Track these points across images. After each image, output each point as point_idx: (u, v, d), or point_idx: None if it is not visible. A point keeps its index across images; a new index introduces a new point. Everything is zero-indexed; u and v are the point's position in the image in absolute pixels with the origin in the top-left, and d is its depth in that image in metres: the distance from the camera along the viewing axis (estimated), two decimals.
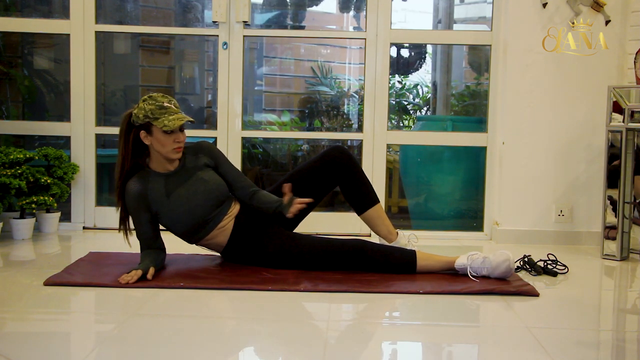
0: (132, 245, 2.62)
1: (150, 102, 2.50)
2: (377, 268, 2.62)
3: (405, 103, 5.32)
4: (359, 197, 2.79)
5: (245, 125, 4.35)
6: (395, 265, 2.61)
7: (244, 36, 3.65)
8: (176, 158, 2.58)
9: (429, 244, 3.18)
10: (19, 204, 3.28)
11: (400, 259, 2.61)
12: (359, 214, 2.80)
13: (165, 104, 2.50)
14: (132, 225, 2.62)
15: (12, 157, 3.27)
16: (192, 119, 2.55)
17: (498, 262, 2.52)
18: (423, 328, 2.09)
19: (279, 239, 2.65)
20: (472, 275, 2.56)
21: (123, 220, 2.60)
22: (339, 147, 2.83)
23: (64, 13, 3.70)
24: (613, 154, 3.12)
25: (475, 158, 3.81)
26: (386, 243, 2.76)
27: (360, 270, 2.62)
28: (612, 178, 3.12)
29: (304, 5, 4.89)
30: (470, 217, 3.92)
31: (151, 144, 2.53)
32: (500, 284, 2.47)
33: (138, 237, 2.58)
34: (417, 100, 5.36)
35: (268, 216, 2.68)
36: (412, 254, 2.62)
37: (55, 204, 3.38)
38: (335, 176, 2.77)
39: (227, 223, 2.64)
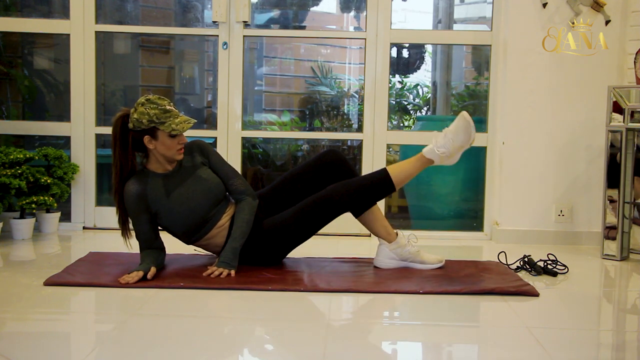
0: (131, 246, 2.62)
1: (152, 106, 2.49)
2: (360, 200, 2.68)
3: (405, 103, 5.32)
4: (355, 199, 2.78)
5: (245, 125, 4.35)
6: (372, 191, 2.68)
7: (244, 36, 3.65)
8: (180, 159, 2.59)
9: (428, 244, 3.18)
10: (19, 204, 3.28)
11: (374, 181, 2.69)
12: (356, 217, 2.79)
13: (168, 107, 2.51)
14: (131, 227, 2.62)
15: (12, 157, 3.27)
16: (195, 120, 2.57)
17: (455, 125, 2.63)
18: (423, 328, 2.09)
19: (270, 220, 2.68)
20: (441, 152, 2.63)
21: (123, 223, 2.60)
22: (333, 150, 2.83)
23: (64, 13, 3.70)
24: (613, 154, 3.12)
25: (475, 158, 3.81)
26: (386, 243, 2.76)
27: (348, 209, 2.69)
28: (612, 178, 3.12)
29: (304, 5, 4.89)
30: (470, 217, 3.92)
31: (155, 148, 2.53)
32: (500, 284, 2.47)
33: (137, 237, 2.58)
34: (417, 100, 5.36)
35: (262, 214, 2.70)
36: (383, 171, 2.70)
37: (55, 204, 3.38)
38: (331, 179, 2.76)
39: (226, 222, 2.64)
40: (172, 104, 2.55)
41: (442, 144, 2.63)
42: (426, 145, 2.71)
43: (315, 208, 2.65)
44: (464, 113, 2.63)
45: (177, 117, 2.53)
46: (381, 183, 2.67)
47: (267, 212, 2.73)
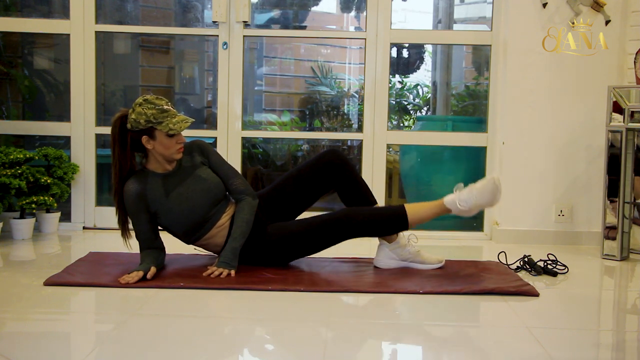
0: (131, 247, 2.62)
1: (149, 106, 2.49)
2: (370, 231, 2.66)
3: (405, 103, 5.32)
4: (355, 200, 2.78)
5: (245, 125, 4.35)
6: (386, 224, 2.64)
7: (244, 36, 3.65)
8: (179, 158, 2.59)
9: (429, 244, 3.18)
10: (19, 204, 3.28)
11: (389, 216, 2.65)
12: None
13: (165, 107, 2.51)
14: (131, 227, 2.61)
15: (12, 157, 3.27)
16: (193, 119, 2.57)
17: (483, 184, 2.58)
18: (423, 328, 2.09)
19: (276, 229, 2.67)
20: (461, 207, 2.59)
21: (123, 223, 2.60)
22: (334, 150, 2.82)
23: (64, 13, 3.70)
24: (613, 154, 3.12)
25: (475, 158, 3.81)
26: (386, 243, 2.76)
27: (356, 237, 2.66)
28: (612, 178, 3.12)
29: (304, 5, 4.89)
30: (470, 217, 3.91)
31: (153, 148, 2.53)
32: (500, 284, 2.47)
33: (137, 237, 2.58)
34: (417, 100, 5.36)
35: (262, 214, 2.70)
36: (400, 208, 2.65)
37: (55, 204, 3.38)
38: (331, 179, 2.76)
39: (225, 221, 2.64)
40: (169, 103, 2.55)
41: (464, 199, 2.60)
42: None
43: (326, 228, 2.63)
44: (496, 177, 2.58)
45: (175, 116, 2.53)
46: (396, 219, 2.64)
47: (268, 212, 2.74)
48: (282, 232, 2.66)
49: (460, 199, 2.60)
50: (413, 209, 2.65)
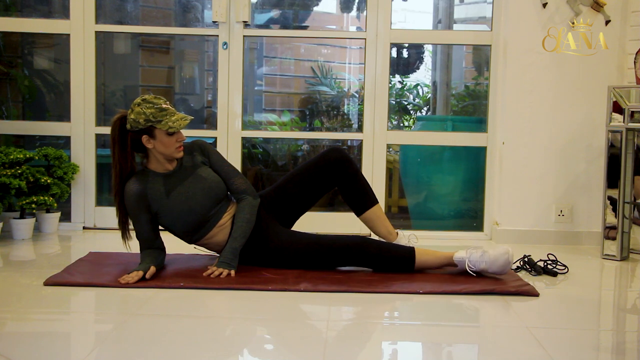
0: (130, 248, 2.62)
1: (147, 105, 2.49)
2: (375, 264, 2.64)
3: (406, 103, 5.32)
4: (357, 199, 2.79)
5: (245, 125, 4.35)
6: (393, 261, 2.63)
7: (244, 36, 3.65)
8: (180, 156, 2.59)
9: (429, 244, 3.17)
10: (19, 204, 3.28)
11: (398, 256, 2.63)
12: (358, 215, 2.81)
13: (164, 106, 2.51)
14: (131, 228, 2.61)
15: (12, 157, 3.27)
16: (192, 117, 2.57)
17: (496, 255, 2.55)
18: (423, 328, 2.09)
19: (280, 236, 2.67)
20: (469, 269, 2.57)
21: (123, 225, 2.60)
22: (337, 148, 2.82)
23: (64, 13, 3.70)
24: (613, 154, 3.12)
25: (475, 158, 3.81)
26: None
27: (359, 266, 2.65)
28: (612, 178, 3.12)
29: (304, 6, 4.89)
30: (470, 217, 3.92)
31: (154, 147, 2.53)
32: (500, 284, 2.47)
33: (138, 237, 2.58)
34: (417, 100, 5.36)
35: (265, 214, 2.69)
36: (410, 250, 2.64)
37: (55, 204, 3.38)
38: (334, 178, 2.77)
39: (227, 221, 2.64)
40: (168, 102, 2.56)
41: (474, 262, 2.58)
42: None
43: (336, 250, 2.62)
44: (510, 251, 2.55)
45: (174, 114, 2.53)
46: (404, 261, 2.63)
47: (270, 212, 2.74)
48: (287, 241, 2.66)
49: (470, 260, 2.59)
50: (422, 256, 2.64)
